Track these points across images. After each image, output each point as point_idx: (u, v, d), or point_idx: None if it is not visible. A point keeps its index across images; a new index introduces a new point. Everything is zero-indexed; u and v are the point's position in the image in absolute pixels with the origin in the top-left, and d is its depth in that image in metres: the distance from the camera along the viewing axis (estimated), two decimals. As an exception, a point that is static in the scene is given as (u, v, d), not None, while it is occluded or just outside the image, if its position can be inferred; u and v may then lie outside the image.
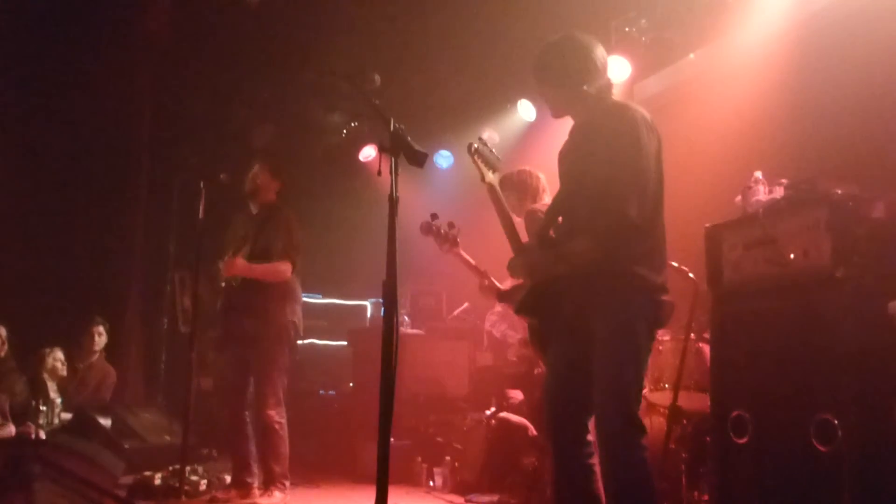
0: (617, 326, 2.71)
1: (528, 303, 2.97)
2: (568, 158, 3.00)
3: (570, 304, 2.83)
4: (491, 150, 3.30)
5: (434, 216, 4.11)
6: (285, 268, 4.81)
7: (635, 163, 2.74)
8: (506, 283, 4.17)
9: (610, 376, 2.70)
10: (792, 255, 3.17)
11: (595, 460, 2.83)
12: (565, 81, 2.93)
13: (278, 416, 4.77)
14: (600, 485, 2.82)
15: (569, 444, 2.84)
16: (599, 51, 2.95)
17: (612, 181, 2.72)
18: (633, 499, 2.63)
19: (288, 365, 4.88)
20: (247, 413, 4.85)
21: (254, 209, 5.05)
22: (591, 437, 2.87)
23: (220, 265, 4.82)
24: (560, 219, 3.02)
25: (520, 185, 4.38)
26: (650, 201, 2.76)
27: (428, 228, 4.12)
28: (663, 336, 4.68)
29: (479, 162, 3.26)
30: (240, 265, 4.76)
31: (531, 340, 3.10)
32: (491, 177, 3.26)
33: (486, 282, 4.21)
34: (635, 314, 2.72)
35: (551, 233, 3.01)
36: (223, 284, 4.90)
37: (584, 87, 2.91)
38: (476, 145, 3.27)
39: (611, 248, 2.72)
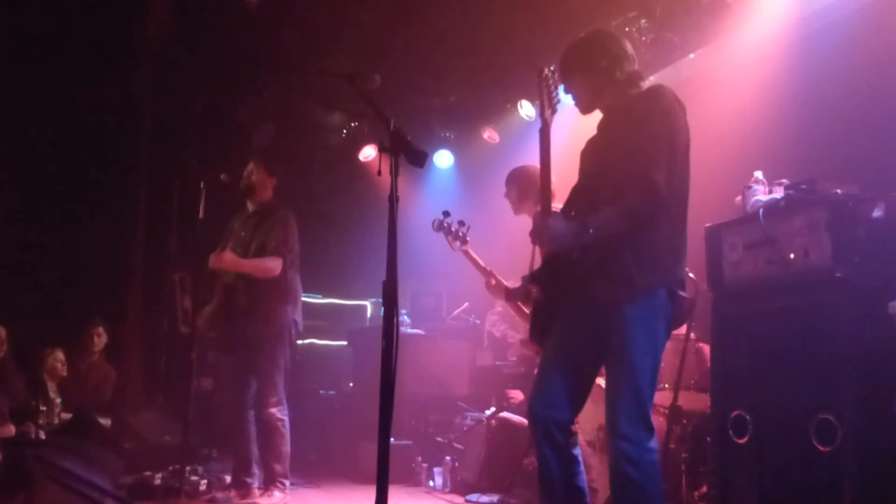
0: (637, 324, 2.64)
1: (541, 274, 2.85)
2: (593, 148, 2.95)
3: (595, 296, 2.72)
4: (555, 87, 2.99)
5: (446, 213, 4.11)
6: (275, 264, 4.79)
7: (666, 133, 2.69)
8: (511, 282, 4.17)
9: (627, 377, 2.64)
10: (792, 255, 3.17)
11: (578, 451, 2.80)
12: (596, 68, 2.89)
13: (280, 414, 4.78)
14: (584, 477, 2.79)
15: (556, 435, 2.77)
16: (627, 43, 2.97)
17: (641, 148, 2.66)
18: (642, 500, 2.59)
19: (288, 363, 4.89)
20: (250, 413, 4.85)
21: (251, 208, 5.05)
22: (574, 428, 2.85)
23: (210, 259, 4.81)
24: (579, 201, 2.92)
25: (524, 181, 4.22)
26: (678, 177, 2.70)
27: (440, 226, 4.11)
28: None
29: (544, 92, 2.92)
30: (228, 259, 4.77)
31: (533, 322, 2.91)
32: (548, 115, 2.93)
33: (493, 281, 4.21)
34: (657, 312, 2.66)
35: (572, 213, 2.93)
36: (221, 286, 4.91)
37: (616, 74, 2.89)
38: (547, 72, 2.94)
39: (636, 218, 2.63)
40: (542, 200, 2.86)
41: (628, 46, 2.96)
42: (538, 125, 2.90)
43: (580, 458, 2.80)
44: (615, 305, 2.66)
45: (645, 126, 2.70)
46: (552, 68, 2.97)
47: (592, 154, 2.95)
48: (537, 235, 2.71)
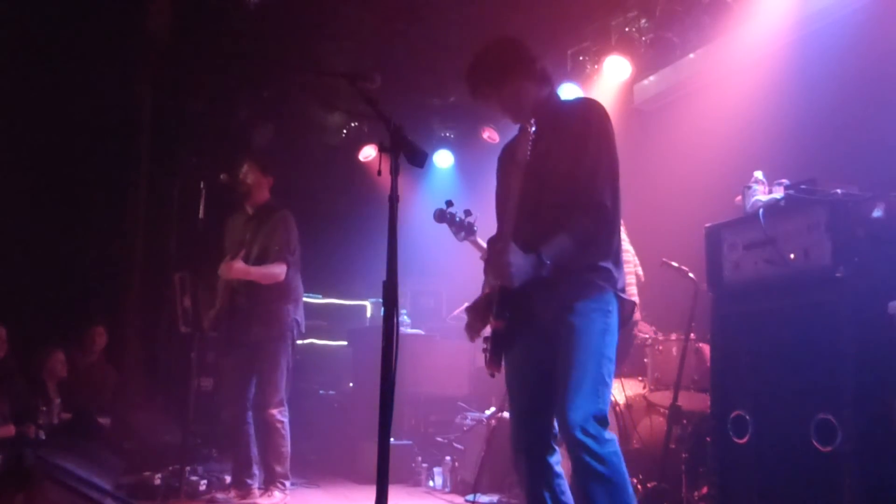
0: (590, 315, 2.61)
1: (503, 308, 2.72)
2: (522, 157, 2.76)
3: (543, 306, 2.68)
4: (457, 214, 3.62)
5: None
6: (280, 270, 4.81)
7: (606, 152, 2.68)
8: None
9: (582, 368, 2.57)
10: (792, 255, 3.17)
11: (560, 468, 2.73)
12: (530, 71, 2.79)
13: (281, 415, 4.79)
14: (570, 494, 2.72)
15: (541, 451, 2.72)
16: None
17: (584, 170, 2.63)
18: (613, 493, 2.52)
19: (290, 364, 4.89)
20: (249, 414, 4.85)
21: (250, 210, 5.04)
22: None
23: (221, 269, 4.81)
24: (523, 222, 2.74)
25: None
26: (619, 194, 2.70)
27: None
28: (663, 336, 4.69)
29: (451, 226, 3.50)
30: (238, 268, 4.77)
31: (491, 348, 2.76)
32: (462, 236, 3.58)
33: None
34: (607, 307, 2.65)
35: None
36: (223, 287, 4.91)
37: (543, 77, 2.82)
38: (441, 212, 3.48)
39: (588, 242, 2.62)
40: (499, 235, 2.82)
41: (530, 48, 2.86)
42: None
43: (563, 475, 2.74)
44: (568, 310, 2.61)
45: (584, 145, 2.66)
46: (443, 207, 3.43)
47: (524, 166, 2.74)
48: (497, 273, 2.60)
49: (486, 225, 3.97)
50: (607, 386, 2.62)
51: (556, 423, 2.73)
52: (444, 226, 4.03)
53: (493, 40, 2.86)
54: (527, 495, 2.75)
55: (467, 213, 4.00)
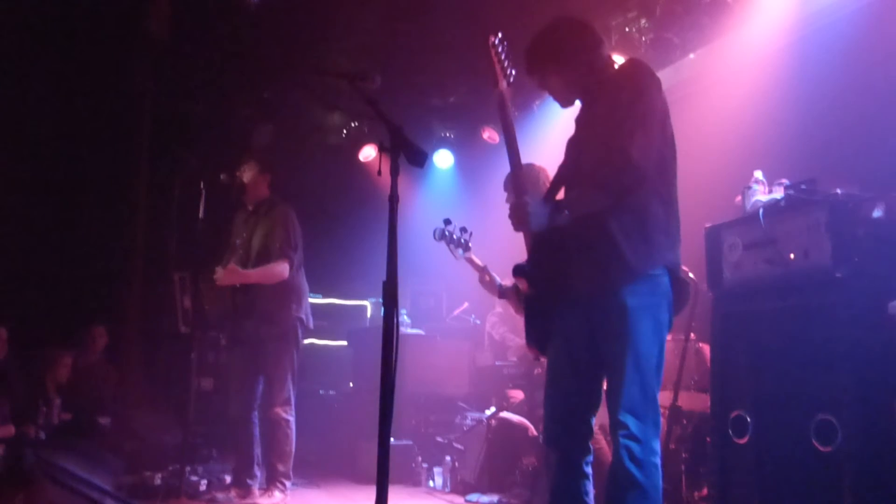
0: (641, 313, 2.52)
1: (528, 266, 2.70)
2: (574, 139, 2.84)
3: (586, 283, 2.60)
4: (507, 56, 2.88)
5: (447, 222, 4.01)
6: (282, 268, 4.79)
7: (640, 106, 2.59)
8: (507, 281, 4.14)
9: (633, 370, 2.50)
10: (792, 255, 3.18)
11: (590, 468, 2.70)
12: (574, 63, 2.79)
13: (286, 413, 4.78)
14: (592, 496, 2.69)
15: (574, 448, 2.67)
16: (594, 27, 2.89)
17: (615, 124, 2.57)
18: (643, 500, 2.46)
19: (296, 363, 4.88)
20: (254, 414, 4.84)
21: (250, 207, 5.04)
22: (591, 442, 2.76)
23: (216, 274, 4.80)
24: (562, 183, 2.82)
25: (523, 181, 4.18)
26: (656, 150, 2.59)
27: (441, 235, 4.02)
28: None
29: (496, 62, 2.83)
30: (234, 274, 4.75)
31: (527, 324, 2.77)
32: (504, 87, 2.86)
33: (487, 277, 4.17)
34: (659, 299, 2.56)
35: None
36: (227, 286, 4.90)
37: (595, 64, 2.80)
38: (495, 41, 2.82)
39: (611, 192, 2.53)
40: (514, 180, 2.79)
41: (597, 31, 2.87)
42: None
43: (591, 476, 2.71)
44: (613, 292, 2.53)
45: (618, 102, 2.61)
46: (500, 36, 2.82)
47: (574, 137, 2.85)
48: (514, 215, 2.57)
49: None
50: (658, 384, 2.57)
51: (592, 422, 2.72)
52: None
53: (555, 23, 2.85)
54: (550, 489, 2.72)
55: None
